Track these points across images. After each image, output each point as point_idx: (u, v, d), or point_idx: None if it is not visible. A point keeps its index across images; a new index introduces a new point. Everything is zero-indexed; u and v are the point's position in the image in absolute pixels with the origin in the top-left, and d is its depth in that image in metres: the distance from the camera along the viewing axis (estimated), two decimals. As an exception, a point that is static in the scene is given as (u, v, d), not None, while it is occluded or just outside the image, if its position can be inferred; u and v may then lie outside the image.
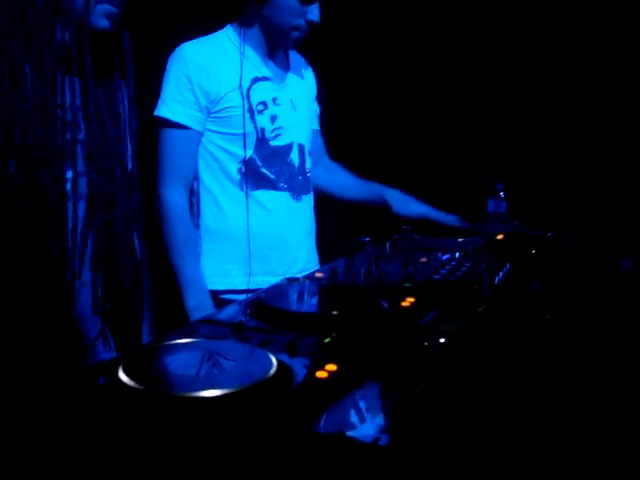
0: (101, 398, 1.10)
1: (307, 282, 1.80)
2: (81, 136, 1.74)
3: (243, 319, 1.49)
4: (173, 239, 2.23)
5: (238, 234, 2.30)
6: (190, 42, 2.29)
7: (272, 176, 2.33)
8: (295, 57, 2.54)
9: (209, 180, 2.31)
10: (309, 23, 2.23)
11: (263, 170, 2.31)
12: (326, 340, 1.36)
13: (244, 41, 2.30)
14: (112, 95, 1.78)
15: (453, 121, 3.76)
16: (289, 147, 2.37)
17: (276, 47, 2.36)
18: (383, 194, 2.58)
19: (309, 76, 2.59)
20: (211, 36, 2.34)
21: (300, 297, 1.63)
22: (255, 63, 2.34)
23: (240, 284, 2.29)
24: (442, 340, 1.33)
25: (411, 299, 1.63)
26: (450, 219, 2.49)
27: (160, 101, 2.25)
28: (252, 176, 2.30)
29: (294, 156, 2.39)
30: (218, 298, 2.29)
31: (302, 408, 1.07)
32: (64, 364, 1.47)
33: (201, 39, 2.32)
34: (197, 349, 1.23)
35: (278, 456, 0.96)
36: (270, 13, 2.23)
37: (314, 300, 1.63)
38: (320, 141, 2.67)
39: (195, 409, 1.03)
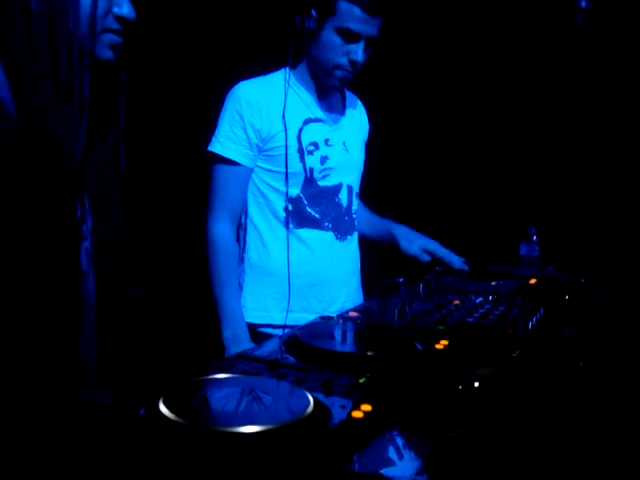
0: (141, 429, 1.13)
1: (342, 321, 1.82)
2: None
3: (279, 356, 1.51)
4: (216, 270, 2.30)
5: (280, 271, 2.35)
6: (245, 81, 2.36)
7: (317, 215, 2.38)
8: (352, 99, 2.59)
9: (256, 216, 2.38)
10: (352, 62, 2.27)
11: (309, 209, 2.37)
12: (361, 380, 1.38)
13: (288, 82, 2.36)
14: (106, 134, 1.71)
15: (489, 165, 3.81)
16: (338, 188, 2.43)
17: (324, 87, 2.40)
18: (392, 230, 2.63)
19: (364, 120, 2.65)
20: (266, 77, 2.41)
21: (336, 336, 1.65)
22: (309, 104, 2.40)
23: (278, 319, 2.32)
24: (476, 384, 1.34)
25: (445, 342, 1.64)
26: (453, 259, 2.51)
27: (214, 137, 2.33)
28: (297, 215, 2.36)
29: (342, 197, 2.44)
30: (256, 332, 2.33)
31: (338, 447, 1.09)
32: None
33: (256, 79, 2.39)
34: (236, 385, 1.25)
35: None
36: (316, 52, 2.29)
37: (349, 340, 1.65)
38: None
39: (234, 444, 1.05)
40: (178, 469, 1.02)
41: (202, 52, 3.98)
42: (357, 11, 2.19)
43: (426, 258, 2.55)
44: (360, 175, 2.56)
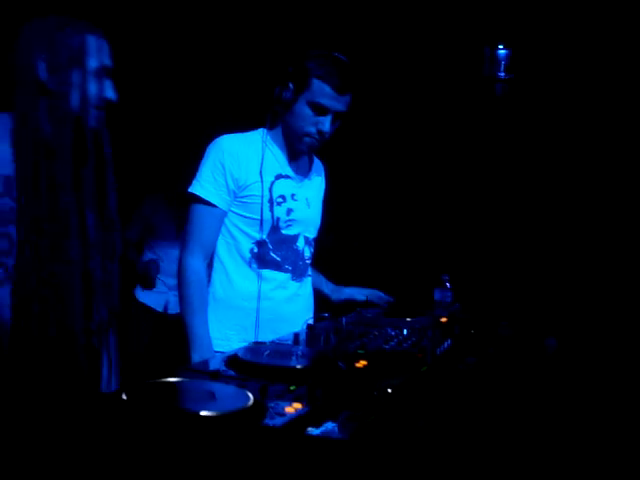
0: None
1: (273, 345, 2.06)
2: None
3: (220, 369, 1.74)
4: (189, 299, 2.50)
5: (242, 305, 2.59)
6: (228, 135, 2.63)
7: (278, 259, 2.63)
8: (317, 163, 2.88)
9: (224, 254, 2.61)
10: (319, 132, 2.55)
11: (272, 253, 2.61)
12: (292, 387, 1.62)
13: (265, 142, 2.63)
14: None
15: (408, 223, 4.13)
16: (297, 237, 2.68)
17: (294, 150, 2.67)
18: (320, 286, 2.97)
19: (323, 180, 2.93)
20: (245, 134, 2.67)
21: (269, 354, 1.89)
22: (280, 162, 2.67)
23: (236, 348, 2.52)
24: (389, 390, 1.60)
25: (364, 362, 1.89)
26: (378, 295, 2.96)
27: (195, 180, 2.57)
28: (261, 256, 2.60)
29: (300, 244, 2.69)
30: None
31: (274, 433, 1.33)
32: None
33: (237, 134, 2.66)
34: (193, 385, 1.48)
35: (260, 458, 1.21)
36: (290, 119, 2.58)
37: (281, 357, 1.89)
38: None
39: (196, 425, 1.28)
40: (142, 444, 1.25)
41: (193, 108, 4.29)
42: (327, 89, 2.48)
43: (360, 297, 2.94)
44: (317, 228, 2.83)
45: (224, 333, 2.58)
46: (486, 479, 1.71)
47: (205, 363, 1.87)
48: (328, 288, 3.00)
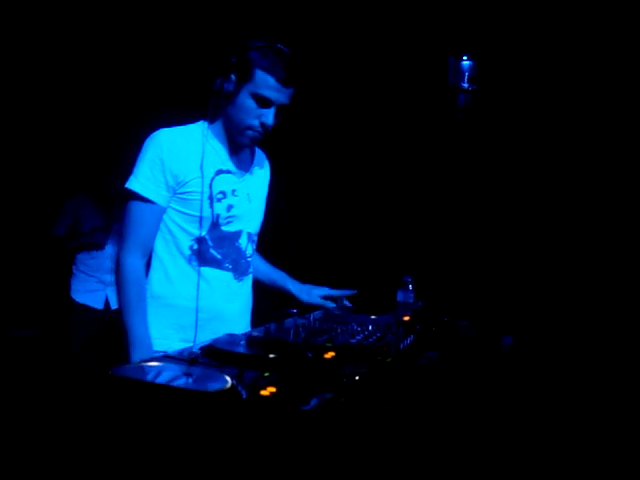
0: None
1: (246, 336, 2.16)
2: None
3: (197, 357, 1.83)
4: (127, 299, 2.43)
5: (181, 303, 2.52)
6: (166, 129, 2.53)
7: (219, 256, 2.56)
8: (260, 156, 2.82)
9: (162, 251, 2.54)
10: (262, 125, 2.48)
11: (212, 250, 2.54)
12: (266, 374, 1.72)
13: (206, 136, 2.57)
14: None
15: (371, 226, 4.25)
16: (238, 234, 2.62)
17: (236, 143, 2.58)
18: (286, 285, 2.94)
19: (266, 174, 2.86)
20: (185, 127, 2.58)
21: (243, 345, 1.99)
22: (221, 156, 2.59)
23: (176, 347, 2.39)
24: (357, 378, 1.71)
25: (332, 353, 2.00)
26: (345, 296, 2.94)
27: (133, 176, 2.47)
28: (201, 254, 2.53)
29: (242, 241, 2.63)
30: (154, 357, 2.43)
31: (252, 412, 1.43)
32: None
33: (177, 128, 2.56)
34: (173, 369, 1.58)
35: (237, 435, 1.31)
36: (232, 112, 2.49)
37: (254, 347, 1.99)
38: None
39: (182, 401, 1.37)
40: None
41: (127, 101, 4.29)
42: (271, 80, 2.42)
43: (331, 304, 2.90)
44: (259, 224, 2.78)
45: (163, 332, 2.51)
46: (443, 458, 1.85)
47: (181, 351, 1.96)
48: (294, 287, 2.93)
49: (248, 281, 2.73)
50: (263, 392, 1.56)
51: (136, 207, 2.47)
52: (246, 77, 2.45)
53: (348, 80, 4.48)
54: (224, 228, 2.57)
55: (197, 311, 2.51)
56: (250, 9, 4.19)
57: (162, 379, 1.51)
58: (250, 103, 2.46)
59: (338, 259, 4.16)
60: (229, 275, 2.60)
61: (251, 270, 2.74)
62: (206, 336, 2.43)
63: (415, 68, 4.49)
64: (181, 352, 1.97)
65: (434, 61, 4.58)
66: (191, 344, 2.42)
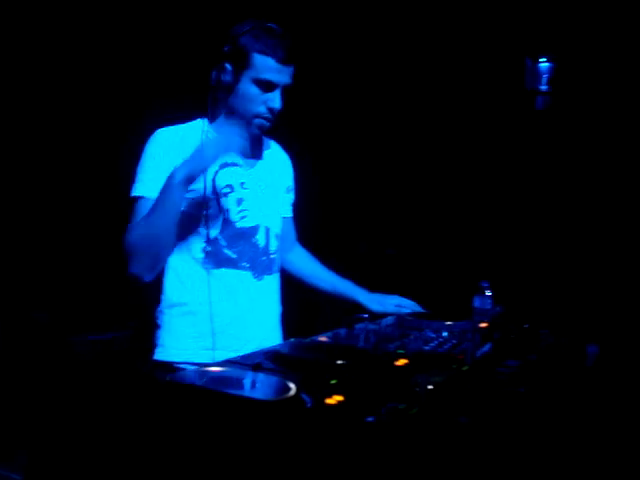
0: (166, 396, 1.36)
1: (313, 341, 2.06)
2: None
3: (261, 362, 1.74)
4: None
5: (199, 309, 2.37)
6: (166, 128, 2.41)
7: (234, 256, 2.41)
8: (273, 148, 2.67)
9: (174, 258, 2.40)
10: (270, 110, 2.36)
11: (225, 251, 2.39)
12: (333, 381, 1.62)
13: (207, 132, 2.40)
14: None
15: (447, 225, 4.11)
16: (255, 229, 2.45)
17: (242, 136, 2.43)
18: (355, 296, 2.76)
19: (284, 165, 2.71)
20: (185, 125, 2.45)
21: (309, 350, 1.89)
22: None
23: (198, 357, 2.30)
24: (430, 387, 1.59)
25: (405, 361, 1.89)
26: (417, 307, 2.76)
27: (137, 183, 2.35)
28: (214, 256, 2.38)
29: (260, 237, 2.46)
30: (174, 367, 2.26)
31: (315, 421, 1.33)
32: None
33: (175, 126, 2.43)
34: (234, 375, 1.49)
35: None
36: (234, 103, 2.36)
37: (320, 353, 1.89)
38: (292, 228, 2.81)
39: (242, 409, 1.28)
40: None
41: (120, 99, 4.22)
42: (272, 62, 2.30)
43: (406, 311, 2.72)
44: (279, 217, 2.60)
45: (182, 342, 2.39)
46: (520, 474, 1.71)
47: (245, 356, 1.88)
48: (364, 297, 2.75)
49: (272, 280, 2.55)
50: (329, 400, 1.45)
51: (143, 208, 2.30)
52: (244, 64, 2.32)
53: (426, 81, 4.36)
54: (239, 225, 2.42)
55: (212, 316, 2.36)
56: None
57: (222, 385, 1.42)
58: (253, 90, 2.34)
59: (411, 263, 4.03)
60: (247, 274, 2.44)
61: (277, 269, 2.58)
62: (228, 342, 2.37)
63: (492, 70, 4.34)
64: (245, 357, 1.87)
65: (511, 63, 4.43)
66: (210, 352, 2.34)
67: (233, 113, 2.40)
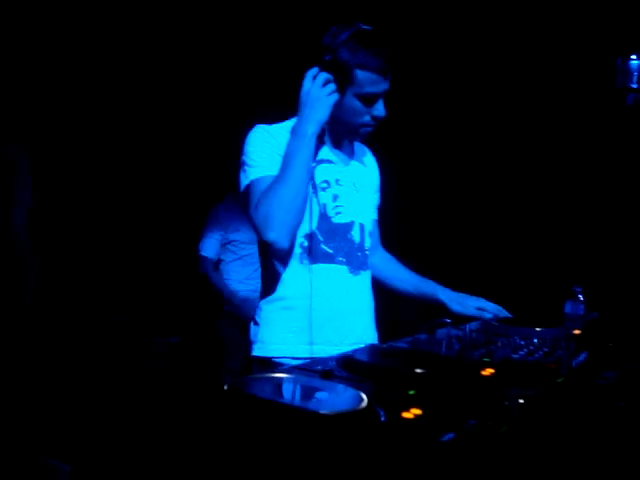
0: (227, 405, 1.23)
1: (390, 347, 1.90)
2: None
3: (332, 369, 1.59)
4: (278, 185, 2.26)
5: (298, 304, 2.37)
6: (262, 124, 2.43)
7: (331, 251, 2.42)
8: (359, 146, 2.67)
9: (273, 253, 2.39)
10: (375, 118, 2.39)
11: (322, 246, 2.40)
12: (411, 392, 1.46)
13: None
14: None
15: (533, 225, 3.90)
16: (350, 225, 2.47)
17: (339, 140, 2.51)
18: (437, 294, 2.68)
19: (372, 166, 2.71)
20: (283, 123, 2.46)
21: (385, 357, 1.73)
22: (322, 149, 2.46)
23: (298, 352, 2.34)
24: (521, 401, 1.41)
25: (491, 370, 1.71)
26: (502, 311, 2.63)
27: (247, 171, 2.36)
28: (312, 250, 2.39)
29: (355, 233, 2.48)
30: (272, 362, 2.36)
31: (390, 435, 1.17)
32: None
33: (274, 124, 2.45)
34: (302, 383, 1.34)
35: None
36: (339, 114, 2.37)
37: (398, 360, 1.73)
38: (376, 231, 2.76)
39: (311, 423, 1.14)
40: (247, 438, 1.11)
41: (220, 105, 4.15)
42: (372, 76, 2.31)
43: (488, 315, 2.60)
44: (371, 216, 2.63)
45: (282, 337, 2.38)
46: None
47: (314, 361, 1.73)
48: (445, 296, 2.67)
49: (367, 276, 2.56)
50: (406, 414, 1.29)
51: (262, 187, 2.30)
52: (347, 80, 2.32)
53: (518, 82, 4.17)
54: (334, 220, 2.44)
55: (310, 310, 2.36)
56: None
57: (287, 396, 1.28)
58: (357, 104, 2.36)
59: (497, 265, 3.83)
60: (344, 269, 2.45)
61: (369, 266, 2.57)
62: (327, 336, 2.37)
63: (583, 69, 4.13)
64: (313, 362, 1.73)
65: (602, 62, 4.21)
66: (309, 346, 2.34)
67: (336, 122, 2.42)
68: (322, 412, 1.14)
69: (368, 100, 2.35)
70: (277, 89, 3.65)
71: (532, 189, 4.01)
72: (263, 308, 2.44)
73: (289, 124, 2.43)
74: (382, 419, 1.24)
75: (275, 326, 2.40)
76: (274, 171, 2.30)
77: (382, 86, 2.35)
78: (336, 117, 2.38)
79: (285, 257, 2.39)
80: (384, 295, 2.70)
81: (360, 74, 2.31)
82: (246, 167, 2.38)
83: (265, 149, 2.37)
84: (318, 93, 2.28)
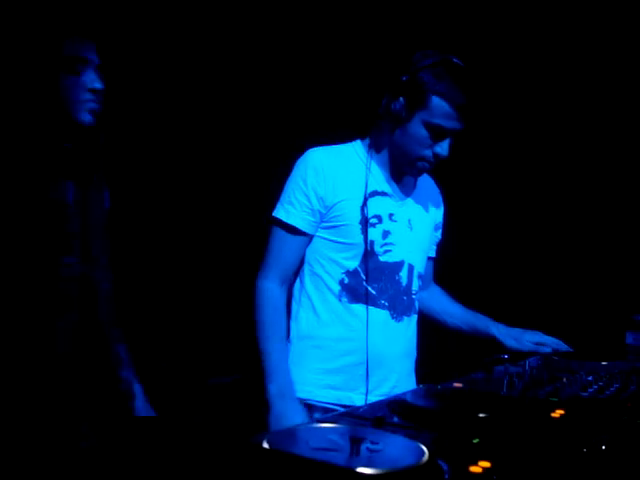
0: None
1: (446, 388, 1.73)
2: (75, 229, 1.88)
3: (384, 415, 1.43)
4: (263, 323, 2.23)
5: (329, 345, 2.26)
6: (315, 149, 2.32)
7: (374, 292, 2.27)
8: (425, 181, 2.51)
9: (310, 287, 2.30)
10: (436, 156, 2.22)
11: (365, 284, 2.26)
12: (475, 440, 1.29)
13: (362, 156, 2.33)
14: (98, 192, 1.96)
15: (590, 252, 3.72)
16: (399, 265, 2.31)
17: (399, 171, 2.35)
18: (490, 330, 2.52)
19: (436, 202, 2.55)
20: (339, 146, 2.36)
21: (442, 400, 1.56)
22: (378, 179, 2.33)
23: (321, 396, 2.24)
24: (603, 447, 1.23)
25: (561, 411, 1.53)
26: (563, 347, 2.43)
27: (279, 203, 2.29)
28: (352, 289, 2.26)
29: (403, 275, 2.32)
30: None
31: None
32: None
33: (328, 147, 2.34)
34: (348, 434, 1.18)
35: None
36: (400, 139, 2.24)
37: (457, 403, 1.56)
38: (431, 268, 2.62)
39: None
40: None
41: (279, 119, 3.99)
42: (449, 109, 2.14)
43: (546, 349, 2.42)
44: (425, 256, 2.47)
45: (306, 377, 2.25)
46: None
47: (365, 408, 1.56)
48: (499, 332, 2.50)
49: (411, 322, 2.39)
50: (473, 468, 1.12)
51: (278, 233, 2.28)
52: (419, 103, 2.16)
53: (539, 104, 4.00)
54: (382, 258, 2.28)
55: (343, 354, 2.26)
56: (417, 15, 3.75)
57: (330, 452, 1.11)
58: (423, 133, 2.19)
59: (551, 295, 3.64)
60: (385, 314, 2.29)
61: (416, 310, 2.40)
62: (357, 383, 2.24)
63: (609, 83, 3.94)
64: (364, 408, 1.57)
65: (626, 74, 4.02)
66: (335, 392, 2.24)
67: (397, 148, 2.28)
68: (379, 471, 0.98)
69: (435, 133, 2.18)
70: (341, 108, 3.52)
71: (584, 217, 3.82)
72: (294, 343, 2.30)
73: (348, 148, 2.36)
74: (446, 475, 1.07)
75: (303, 365, 2.27)
76: (294, 219, 2.25)
77: (454, 124, 2.18)
78: (396, 142, 2.26)
79: (322, 292, 2.28)
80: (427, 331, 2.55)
81: (435, 101, 2.15)
82: (281, 198, 2.31)
83: (297, 190, 2.27)
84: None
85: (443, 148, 2.20)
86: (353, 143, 2.38)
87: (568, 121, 3.92)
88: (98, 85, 1.81)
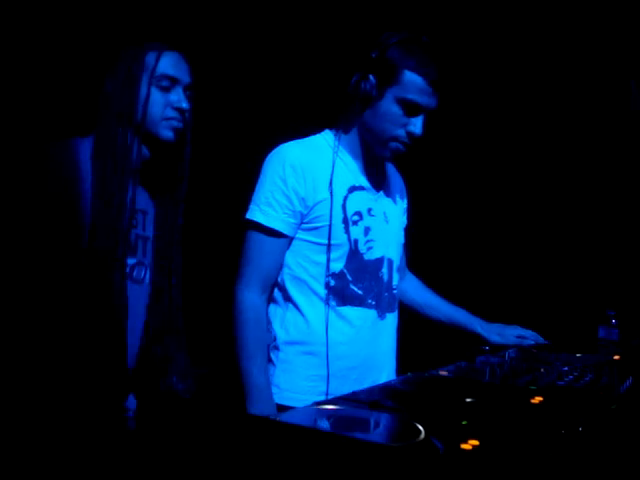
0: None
1: (433, 376, 1.85)
2: (144, 233, 1.99)
3: (379, 399, 1.55)
4: (244, 342, 2.14)
5: (322, 351, 2.18)
6: (287, 144, 2.23)
7: (360, 292, 2.22)
8: (391, 167, 2.46)
9: (295, 292, 2.21)
10: (410, 135, 2.15)
11: (352, 286, 2.21)
12: (463, 422, 1.41)
13: (335, 147, 2.24)
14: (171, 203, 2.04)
15: (563, 248, 3.84)
16: (380, 261, 2.27)
17: (372, 156, 2.26)
18: (473, 327, 2.57)
19: (401, 189, 2.50)
20: (309, 139, 2.28)
21: (431, 386, 1.69)
22: (353, 171, 2.26)
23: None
24: (580, 429, 1.36)
25: (540, 398, 1.66)
26: (538, 338, 2.56)
27: (252, 204, 2.18)
28: (340, 291, 2.19)
29: (384, 271, 2.28)
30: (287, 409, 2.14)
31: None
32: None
33: (298, 142, 2.25)
34: (351, 414, 1.30)
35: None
36: (372, 120, 2.16)
37: (445, 389, 1.69)
38: (403, 254, 2.56)
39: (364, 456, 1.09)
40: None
41: (241, 110, 3.88)
42: (422, 83, 2.09)
43: (529, 342, 2.52)
44: (400, 248, 2.43)
45: (298, 385, 2.18)
46: None
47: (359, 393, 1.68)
48: (483, 328, 2.55)
49: (394, 319, 2.37)
50: (464, 445, 1.24)
51: (257, 238, 2.17)
52: (390, 79, 2.10)
53: (528, 104, 4.12)
54: (366, 257, 2.23)
55: (334, 359, 2.20)
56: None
57: (339, 427, 1.24)
58: (396, 110, 2.12)
59: (526, 290, 3.77)
60: (373, 313, 2.26)
61: (397, 306, 2.39)
62: (349, 387, 1.97)
63: (596, 92, 4.09)
64: (359, 393, 1.68)
65: (616, 85, 4.16)
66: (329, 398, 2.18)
67: (368, 131, 2.20)
68: (386, 444, 1.10)
69: (408, 109, 2.12)
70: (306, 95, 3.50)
71: (558, 213, 3.95)
72: (281, 349, 2.22)
73: (319, 140, 2.28)
74: (441, 452, 1.19)
75: (292, 371, 2.20)
76: (274, 222, 2.15)
77: (428, 101, 2.12)
78: (367, 123, 2.19)
79: (308, 296, 2.20)
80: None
81: (408, 76, 2.09)
82: (253, 198, 2.21)
83: (276, 191, 2.16)
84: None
85: (417, 126, 2.13)
86: (323, 134, 2.31)
87: (545, 112, 4.04)
88: (185, 105, 1.90)
